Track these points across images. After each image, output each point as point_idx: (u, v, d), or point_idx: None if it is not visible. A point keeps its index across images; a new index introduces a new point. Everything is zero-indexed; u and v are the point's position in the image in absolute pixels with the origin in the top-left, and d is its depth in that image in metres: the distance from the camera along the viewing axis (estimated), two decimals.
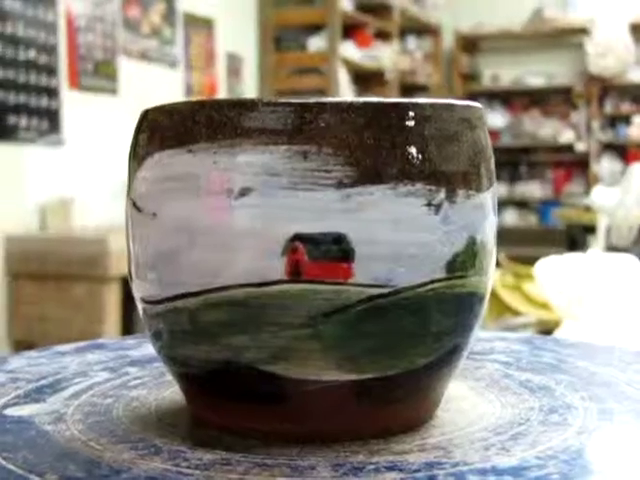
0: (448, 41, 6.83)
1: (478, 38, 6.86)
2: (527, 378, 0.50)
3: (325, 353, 0.37)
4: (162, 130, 0.39)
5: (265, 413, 0.39)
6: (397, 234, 0.37)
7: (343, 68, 4.86)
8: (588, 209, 4.74)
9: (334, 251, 0.36)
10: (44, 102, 3.19)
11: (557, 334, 1.42)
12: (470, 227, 0.39)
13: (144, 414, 0.44)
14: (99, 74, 3.51)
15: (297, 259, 0.36)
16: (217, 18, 4.45)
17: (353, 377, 0.38)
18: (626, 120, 6.56)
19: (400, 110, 0.38)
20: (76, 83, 3.38)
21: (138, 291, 0.42)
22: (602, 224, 4.42)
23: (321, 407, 0.39)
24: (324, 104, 0.37)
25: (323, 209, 0.36)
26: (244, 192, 0.36)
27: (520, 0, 6.54)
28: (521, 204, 6.73)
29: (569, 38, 6.60)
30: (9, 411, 0.44)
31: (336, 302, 0.37)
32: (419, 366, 0.39)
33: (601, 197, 4.57)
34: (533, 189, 6.69)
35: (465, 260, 0.39)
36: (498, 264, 2.37)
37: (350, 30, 5.09)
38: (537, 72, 6.70)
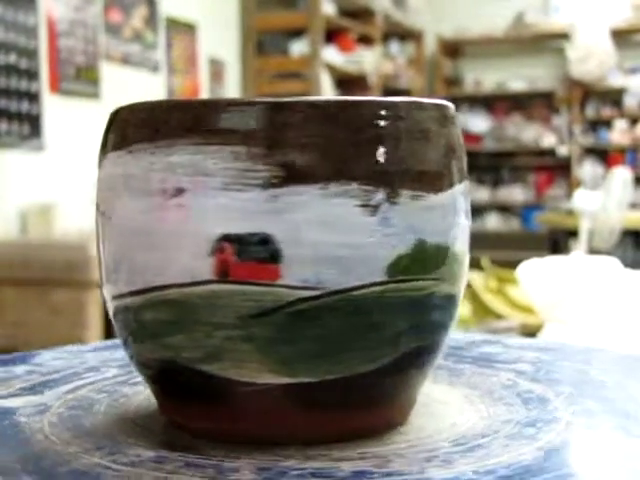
0: (431, 46, 6.86)
1: (460, 43, 6.89)
2: (531, 389, 0.48)
3: (257, 355, 0.37)
4: (113, 131, 0.40)
5: (205, 413, 0.39)
6: (327, 235, 0.36)
7: (326, 73, 4.87)
8: (570, 213, 4.76)
9: (261, 252, 0.36)
10: (25, 107, 3.17)
11: (539, 337, 1.43)
12: (419, 229, 0.38)
13: (121, 411, 0.44)
14: (80, 79, 3.50)
15: (225, 259, 0.36)
16: (199, 22, 4.44)
17: (287, 380, 0.37)
18: (607, 124, 6.61)
19: (335, 109, 0.37)
20: (57, 88, 3.36)
21: (105, 293, 0.42)
22: (584, 228, 4.45)
23: (257, 409, 0.38)
24: (253, 103, 0.37)
25: (251, 210, 0.36)
26: (177, 193, 0.37)
27: (502, 5, 6.57)
28: (504, 208, 6.76)
29: (551, 43, 6.64)
30: (1, 402, 0.45)
31: (264, 304, 0.36)
32: (362, 372, 0.38)
33: (583, 201, 4.60)
34: (515, 193, 6.72)
35: (413, 263, 0.38)
36: (481, 268, 2.38)
37: (333, 35, 5.10)
38: (519, 77, 6.74)
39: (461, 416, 0.43)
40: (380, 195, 0.37)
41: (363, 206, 0.36)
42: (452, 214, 0.39)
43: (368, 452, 0.38)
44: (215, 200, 0.36)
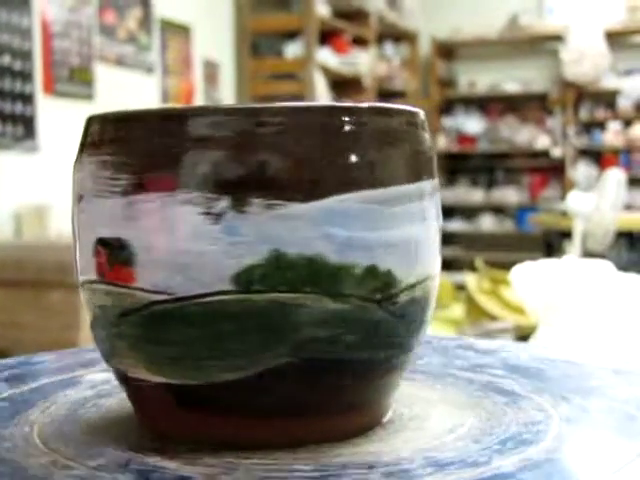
0: (425, 48, 6.87)
1: (455, 45, 6.90)
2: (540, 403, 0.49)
3: (131, 353, 0.39)
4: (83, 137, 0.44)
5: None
6: (174, 242, 0.37)
7: (320, 74, 4.87)
8: (564, 214, 4.77)
9: (121, 256, 0.38)
10: (19, 108, 3.17)
11: (533, 340, 1.43)
12: (275, 239, 0.36)
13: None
14: (75, 80, 3.49)
15: (100, 262, 0.39)
16: (194, 24, 4.44)
17: (162, 380, 0.39)
18: (601, 126, 6.62)
19: (184, 118, 0.37)
20: (51, 89, 3.36)
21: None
22: (578, 229, 4.46)
23: (152, 405, 0.41)
24: (109, 117, 0.41)
25: (113, 216, 0.39)
26: (80, 199, 0.42)
27: (496, 7, 6.58)
28: (498, 209, 6.77)
29: (545, 45, 6.66)
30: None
31: (125, 305, 0.38)
32: (221, 380, 0.38)
33: (577, 202, 4.60)
34: (509, 194, 6.73)
35: (268, 274, 0.36)
36: (475, 269, 2.38)
37: (327, 36, 5.10)
38: (513, 78, 6.75)
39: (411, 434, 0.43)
40: (223, 203, 0.36)
41: (205, 214, 0.36)
42: (327, 224, 0.37)
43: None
44: (94, 207, 0.40)
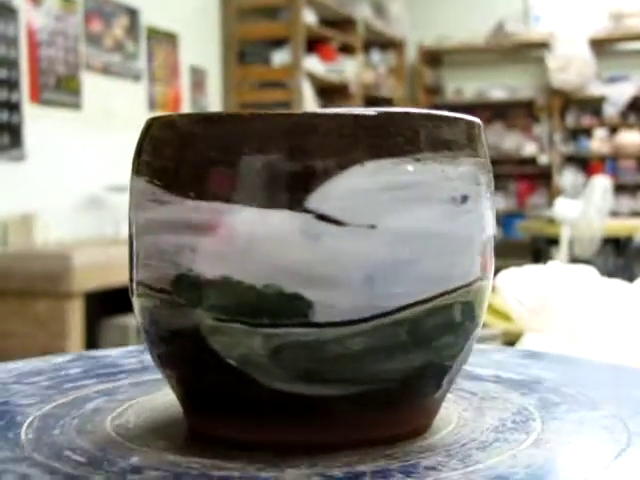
0: (412, 55, 6.89)
1: (441, 52, 6.93)
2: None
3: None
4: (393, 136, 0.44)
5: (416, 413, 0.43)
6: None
7: (307, 82, 4.87)
8: (551, 221, 4.79)
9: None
10: (5, 117, 3.15)
11: (519, 346, 1.43)
12: None
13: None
14: (61, 88, 3.49)
15: (486, 260, 0.44)
16: (181, 32, 4.44)
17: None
18: (587, 133, 6.66)
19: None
20: (38, 97, 3.35)
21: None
22: (565, 236, 4.47)
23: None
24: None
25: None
26: (464, 200, 0.43)
27: (482, 15, 6.62)
28: None
29: (531, 52, 6.69)
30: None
31: None
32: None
33: (564, 209, 4.63)
34: (497, 201, 6.72)
35: None
36: None
37: (314, 44, 5.11)
38: (500, 86, 6.78)
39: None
40: None
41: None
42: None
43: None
44: (482, 206, 0.42)
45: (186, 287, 0.39)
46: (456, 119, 0.41)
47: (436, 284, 0.39)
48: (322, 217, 0.37)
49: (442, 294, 0.39)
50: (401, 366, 0.39)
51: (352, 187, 0.37)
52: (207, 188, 0.38)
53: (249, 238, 0.37)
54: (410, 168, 0.38)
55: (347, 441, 0.40)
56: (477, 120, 0.43)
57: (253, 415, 0.40)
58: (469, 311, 0.41)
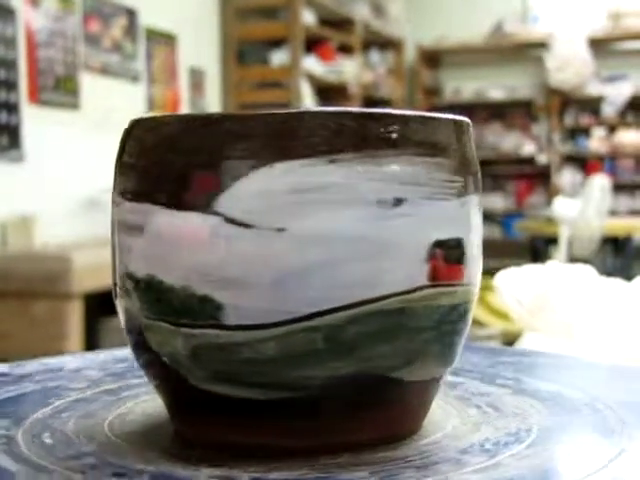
0: (410, 55, 6.89)
1: (440, 52, 6.92)
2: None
3: (438, 351, 0.41)
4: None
5: (374, 418, 0.40)
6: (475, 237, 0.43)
7: (306, 82, 4.87)
8: (550, 220, 4.79)
9: (456, 255, 0.42)
10: (3, 117, 3.15)
11: (518, 346, 1.44)
12: None
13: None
14: (60, 89, 3.49)
15: (435, 265, 0.42)
16: (179, 33, 4.44)
17: (440, 373, 0.42)
18: (585, 132, 6.66)
19: None
20: (36, 98, 3.35)
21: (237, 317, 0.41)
22: (564, 235, 4.48)
23: (415, 405, 0.42)
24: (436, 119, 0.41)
25: (450, 218, 0.42)
26: (399, 202, 0.43)
27: (481, 15, 6.62)
28: (484, 216, 6.71)
29: (529, 52, 6.69)
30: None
31: (453, 302, 0.40)
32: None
33: (562, 208, 4.63)
34: (496, 201, 6.75)
35: None
36: None
37: (313, 44, 5.11)
38: (498, 85, 6.78)
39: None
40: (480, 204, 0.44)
41: (479, 212, 0.43)
42: None
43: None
44: (428, 209, 0.39)
45: (128, 286, 0.40)
46: (384, 115, 0.38)
47: (359, 290, 0.37)
48: (230, 220, 0.37)
49: (368, 301, 0.37)
50: (322, 374, 0.38)
51: (260, 189, 0.37)
52: (138, 190, 0.40)
53: (168, 239, 0.38)
54: (322, 169, 0.37)
55: (281, 447, 0.39)
56: (416, 114, 0.39)
57: (196, 415, 0.41)
58: (411, 320, 0.38)
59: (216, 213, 0.37)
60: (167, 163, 0.39)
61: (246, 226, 0.37)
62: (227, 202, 0.37)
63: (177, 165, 0.38)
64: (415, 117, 0.39)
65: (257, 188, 0.37)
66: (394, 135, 0.38)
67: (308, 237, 0.36)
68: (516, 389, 0.50)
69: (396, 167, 0.37)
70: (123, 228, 0.41)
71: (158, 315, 0.39)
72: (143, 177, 0.40)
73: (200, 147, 0.38)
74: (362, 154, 0.37)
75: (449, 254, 0.39)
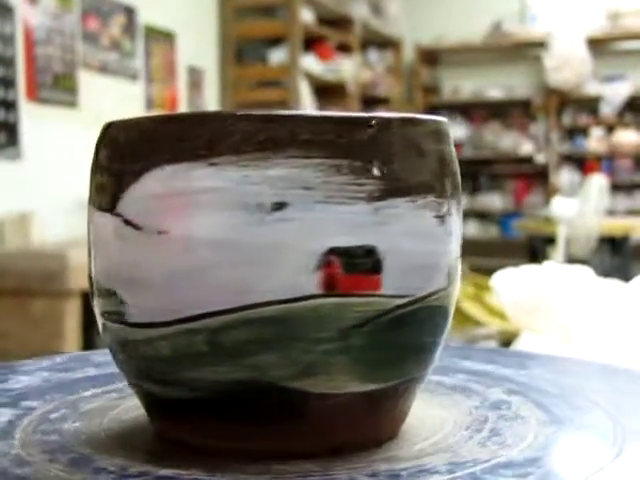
0: (409, 54, 6.89)
1: (438, 51, 6.92)
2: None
3: (350, 365, 0.38)
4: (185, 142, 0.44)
5: (277, 432, 0.39)
6: (416, 245, 0.39)
7: (304, 81, 4.87)
8: (548, 220, 4.80)
9: (366, 264, 0.40)
10: (1, 115, 3.15)
11: (515, 346, 1.44)
12: (459, 237, 0.42)
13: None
14: (58, 87, 3.48)
15: (330, 273, 0.40)
16: (178, 31, 4.44)
17: (371, 387, 0.39)
18: (584, 132, 6.66)
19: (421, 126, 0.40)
20: (34, 96, 3.34)
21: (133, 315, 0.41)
22: (562, 235, 4.48)
23: (336, 420, 0.39)
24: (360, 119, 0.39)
25: (357, 222, 0.39)
26: (280, 207, 0.42)
27: (480, 14, 6.62)
28: (482, 215, 6.79)
29: (528, 51, 6.69)
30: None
31: (366, 314, 0.38)
32: (415, 376, 0.41)
33: (560, 208, 4.63)
34: (494, 200, 6.75)
35: (456, 271, 0.42)
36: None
37: (311, 43, 5.11)
38: (497, 85, 6.78)
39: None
40: (446, 207, 0.40)
41: (437, 217, 0.39)
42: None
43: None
44: (320, 214, 0.36)
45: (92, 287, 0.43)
46: (272, 117, 0.37)
47: (239, 295, 0.36)
48: (127, 221, 0.39)
49: (246, 307, 0.36)
50: (208, 376, 0.37)
51: (149, 192, 0.38)
52: (90, 194, 0.43)
53: (95, 240, 0.42)
54: (203, 173, 0.36)
55: (222, 449, 0.39)
56: (311, 114, 0.37)
57: (152, 414, 0.42)
58: (300, 330, 0.36)
59: (118, 214, 0.39)
60: (95, 167, 0.42)
61: (136, 228, 0.38)
62: (125, 204, 0.39)
63: (97, 168, 0.42)
64: (309, 118, 0.37)
65: (147, 191, 0.38)
66: (282, 137, 0.36)
67: (188, 240, 0.37)
68: (512, 390, 0.50)
69: (280, 170, 0.36)
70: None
71: (99, 310, 0.42)
72: (91, 182, 0.43)
73: (113, 150, 0.40)
74: (243, 157, 0.36)
75: (353, 263, 0.37)
